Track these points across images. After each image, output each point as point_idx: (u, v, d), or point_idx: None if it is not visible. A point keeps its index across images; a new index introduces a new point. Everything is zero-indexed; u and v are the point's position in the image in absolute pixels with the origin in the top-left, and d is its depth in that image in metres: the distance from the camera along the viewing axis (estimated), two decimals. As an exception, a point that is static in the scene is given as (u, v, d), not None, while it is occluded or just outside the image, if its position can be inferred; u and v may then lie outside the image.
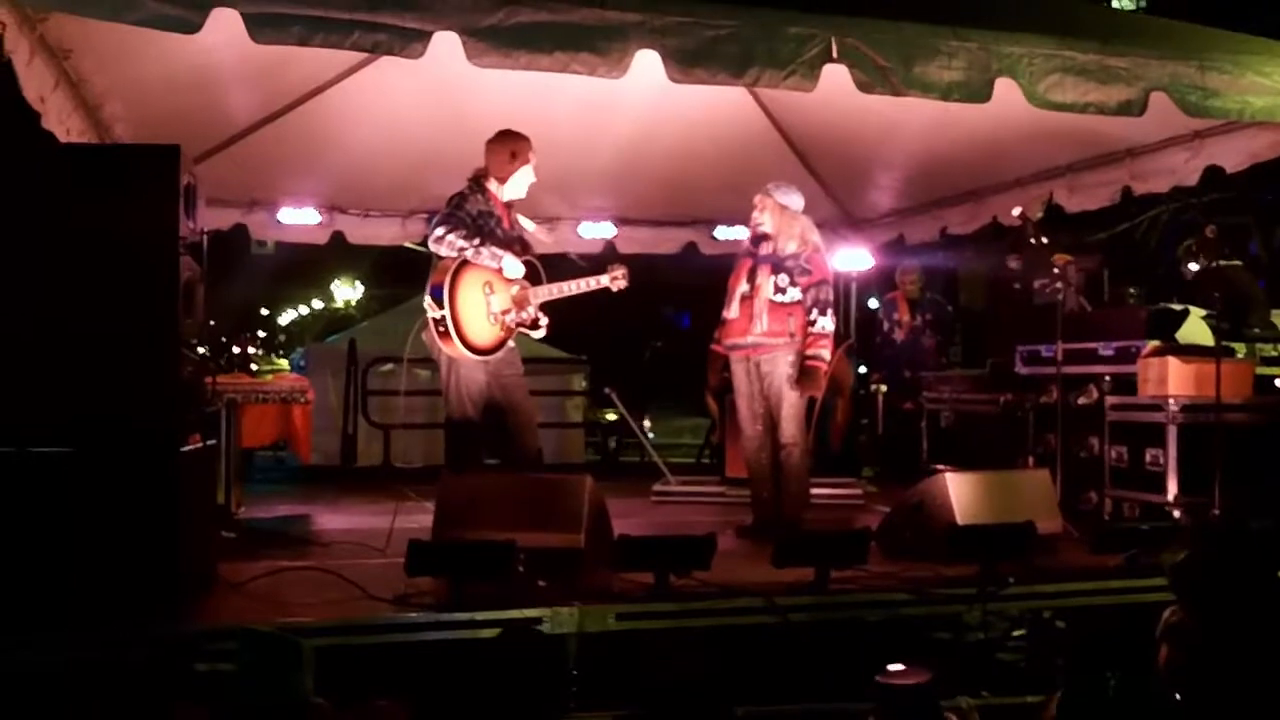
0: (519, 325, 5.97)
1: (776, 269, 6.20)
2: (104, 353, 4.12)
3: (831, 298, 6.30)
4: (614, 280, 6.24)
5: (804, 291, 6.19)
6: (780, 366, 6.20)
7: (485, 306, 5.83)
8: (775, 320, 6.16)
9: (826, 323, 6.21)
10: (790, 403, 6.20)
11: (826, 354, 6.23)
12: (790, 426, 6.22)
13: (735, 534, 6.22)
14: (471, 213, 5.83)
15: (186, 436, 4.40)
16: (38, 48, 5.03)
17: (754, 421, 6.35)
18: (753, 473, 6.45)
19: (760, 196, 6.34)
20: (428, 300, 5.77)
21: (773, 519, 6.22)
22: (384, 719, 3.55)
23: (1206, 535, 5.35)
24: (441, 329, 5.71)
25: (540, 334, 6.11)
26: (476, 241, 5.74)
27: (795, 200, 6.36)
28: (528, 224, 6.22)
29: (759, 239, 6.33)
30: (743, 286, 6.28)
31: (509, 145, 5.96)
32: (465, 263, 5.76)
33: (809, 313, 6.20)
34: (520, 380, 6.06)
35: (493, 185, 5.98)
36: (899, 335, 10.08)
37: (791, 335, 6.18)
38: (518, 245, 6.03)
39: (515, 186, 6.02)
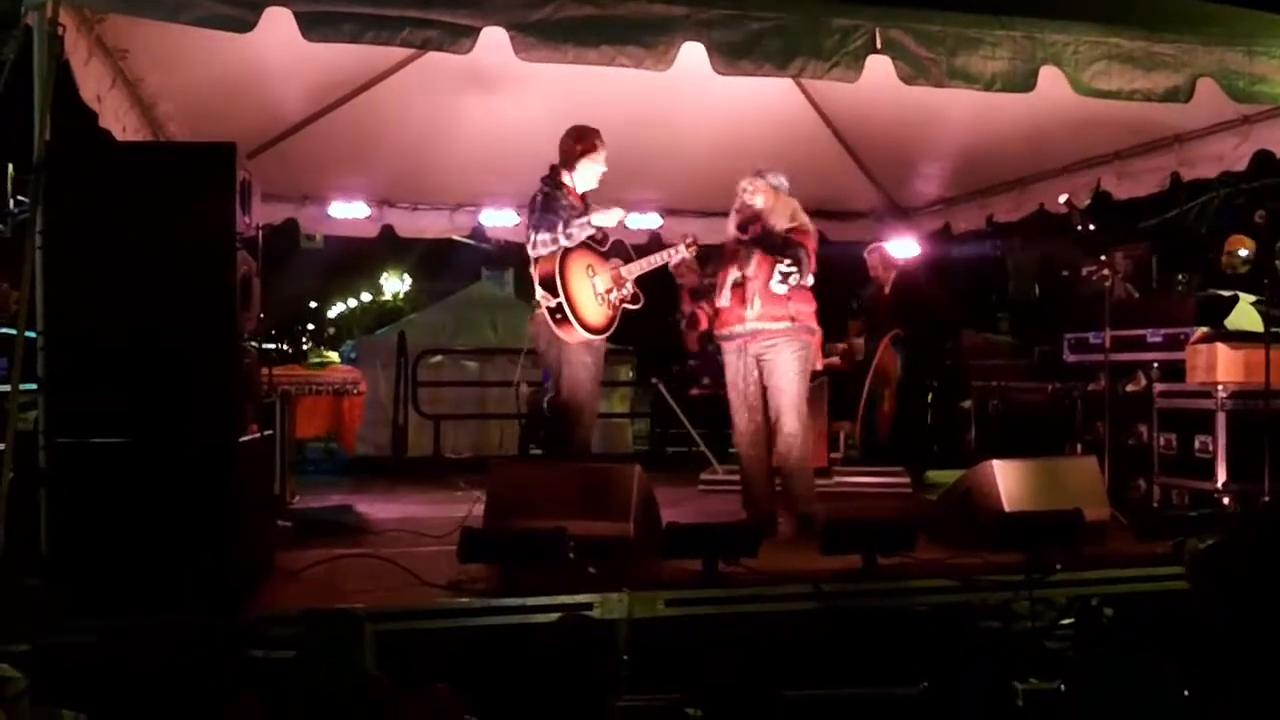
0: (623, 302, 6.22)
1: (768, 249, 5.90)
2: (164, 345, 4.20)
3: (808, 259, 5.87)
4: (690, 247, 6.36)
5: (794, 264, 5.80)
6: (783, 354, 5.91)
7: (592, 288, 6.08)
8: (772, 304, 5.89)
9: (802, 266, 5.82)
10: (792, 393, 5.90)
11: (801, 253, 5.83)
12: (791, 418, 5.89)
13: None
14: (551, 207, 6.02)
15: (244, 427, 4.49)
16: (95, 48, 5.12)
17: (749, 414, 6.07)
18: (745, 469, 6.19)
19: (749, 179, 6.13)
20: (540, 292, 5.98)
21: (770, 518, 5.92)
22: (443, 704, 3.61)
23: (1255, 521, 5.35)
24: (559, 315, 5.91)
25: (638, 306, 6.31)
26: (561, 226, 5.93)
27: (783, 183, 6.19)
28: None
29: (747, 221, 6.09)
30: (733, 274, 6.03)
31: (575, 137, 6.19)
32: (567, 250, 5.96)
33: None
34: (597, 373, 6.24)
35: (565, 178, 6.19)
36: None
37: (792, 319, 5.90)
38: (597, 234, 6.20)
39: (584, 177, 6.20)
